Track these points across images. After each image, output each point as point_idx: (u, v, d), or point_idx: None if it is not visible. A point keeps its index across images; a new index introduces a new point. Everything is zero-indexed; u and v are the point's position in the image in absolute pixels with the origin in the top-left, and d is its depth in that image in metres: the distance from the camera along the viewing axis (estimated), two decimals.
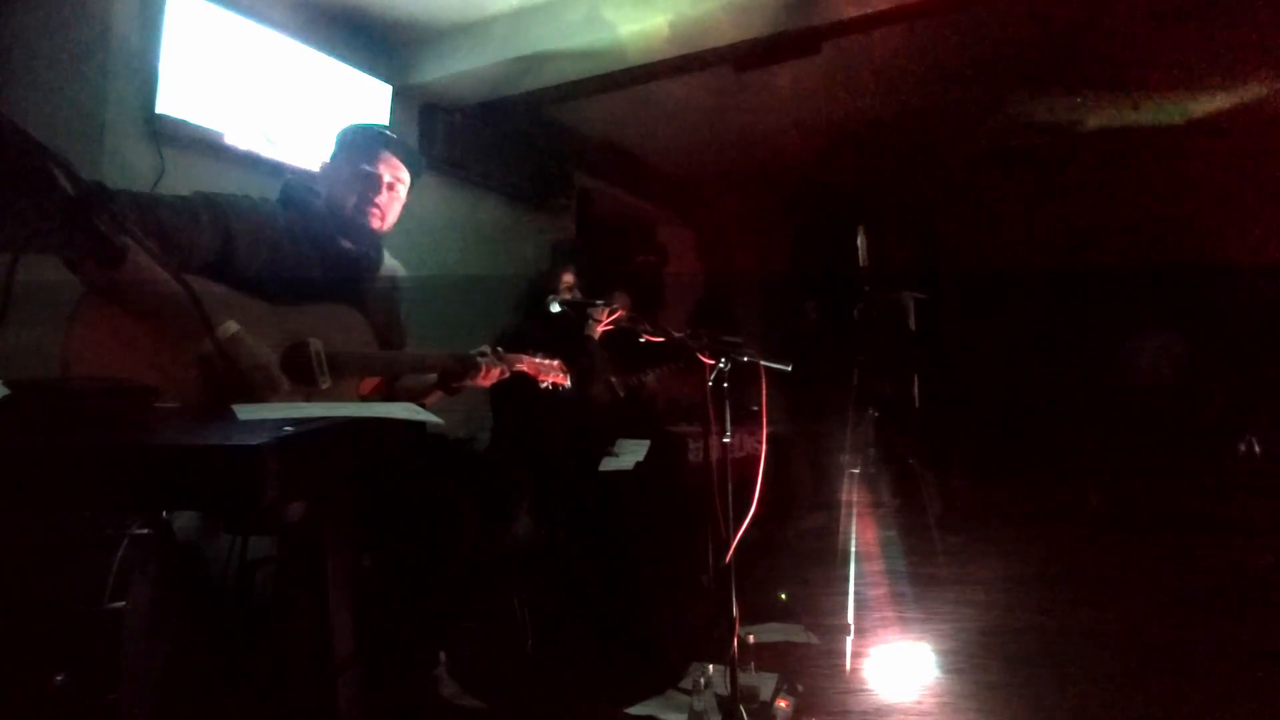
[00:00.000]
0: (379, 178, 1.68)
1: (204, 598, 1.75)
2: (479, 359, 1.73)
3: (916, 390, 3.12)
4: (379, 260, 1.78)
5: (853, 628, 2.15)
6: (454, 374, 1.74)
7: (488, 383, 1.77)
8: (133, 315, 1.26)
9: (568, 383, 1.95)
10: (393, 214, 1.74)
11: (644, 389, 3.03)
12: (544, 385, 1.91)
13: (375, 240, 1.73)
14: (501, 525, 1.85)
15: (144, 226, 1.28)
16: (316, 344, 1.46)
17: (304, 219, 1.65)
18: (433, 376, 1.76)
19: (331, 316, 1.55)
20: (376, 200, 1.68)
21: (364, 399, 1.62)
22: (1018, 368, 4.33)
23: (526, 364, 1.86)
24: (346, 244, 1.69)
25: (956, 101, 3.70)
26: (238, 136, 2.42)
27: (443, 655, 1.79)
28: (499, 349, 1.79)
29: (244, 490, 0.73)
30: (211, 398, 1.27)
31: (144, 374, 1.22)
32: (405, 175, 1.73)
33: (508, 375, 1.81)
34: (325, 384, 1.45)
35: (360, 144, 1.71)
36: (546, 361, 1.92)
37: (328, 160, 1.76)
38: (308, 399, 1.42)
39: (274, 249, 1.55)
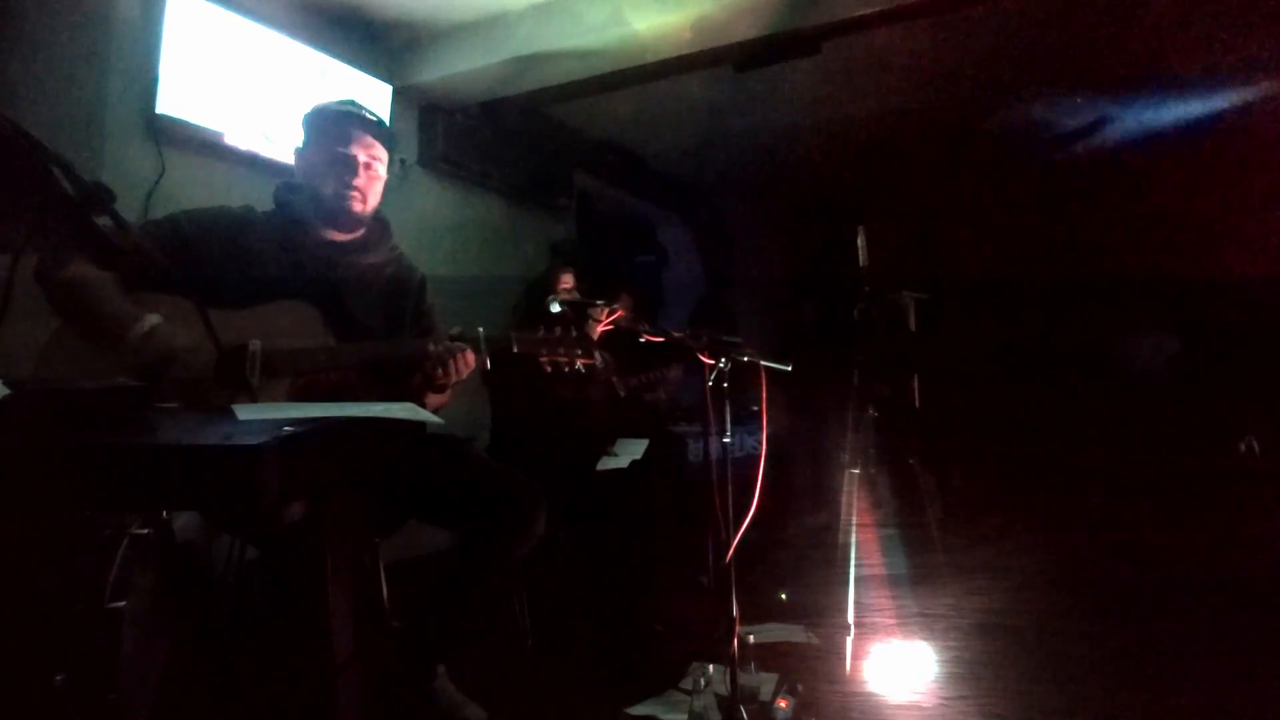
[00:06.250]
0: (354, 160, 1.61)
1: (204, 598, 1.75)
2: (428, 346, 1.52)
3: (916, 390, 3.12)
4: (378, 238, 1.71)
5: (853, 628, 2.15)
6: (413, 367, 1.55)
7: (465, 371, 1.54)
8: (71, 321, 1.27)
9: (596, 361, 1.68)
10: (374, 194, 1.66)
11: (646, 389, 3.03)
12: (549, 369, 1.62)
13: (363, 222, 1.66)
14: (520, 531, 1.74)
15: None
16: (255, 345, 1.39)
17: (289, 218, 1.62)
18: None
19: (276, 316, 1.46)
20: (355, 184, 1.60)
21: (309, 399, 1.47)
22: (1018, 368, 4.33)
23: (519, 344, 1.60)
24: (332, 233, 1.64)
25: (956, 101, 3.70)
26: (238, 136, 2.42)
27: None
28: (481, 330, 1.58)
29: (244, 490, 0.73)
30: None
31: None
32: (381, 153, 1.66)
33: (485, 363, 1.57)
34: (255, 384, 1.38)
35: (329, 127, 1.64)
36: (554, 336, 1.63)
37: (299, 147, 1.67)
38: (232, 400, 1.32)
39: (241, 256, 1.52)
